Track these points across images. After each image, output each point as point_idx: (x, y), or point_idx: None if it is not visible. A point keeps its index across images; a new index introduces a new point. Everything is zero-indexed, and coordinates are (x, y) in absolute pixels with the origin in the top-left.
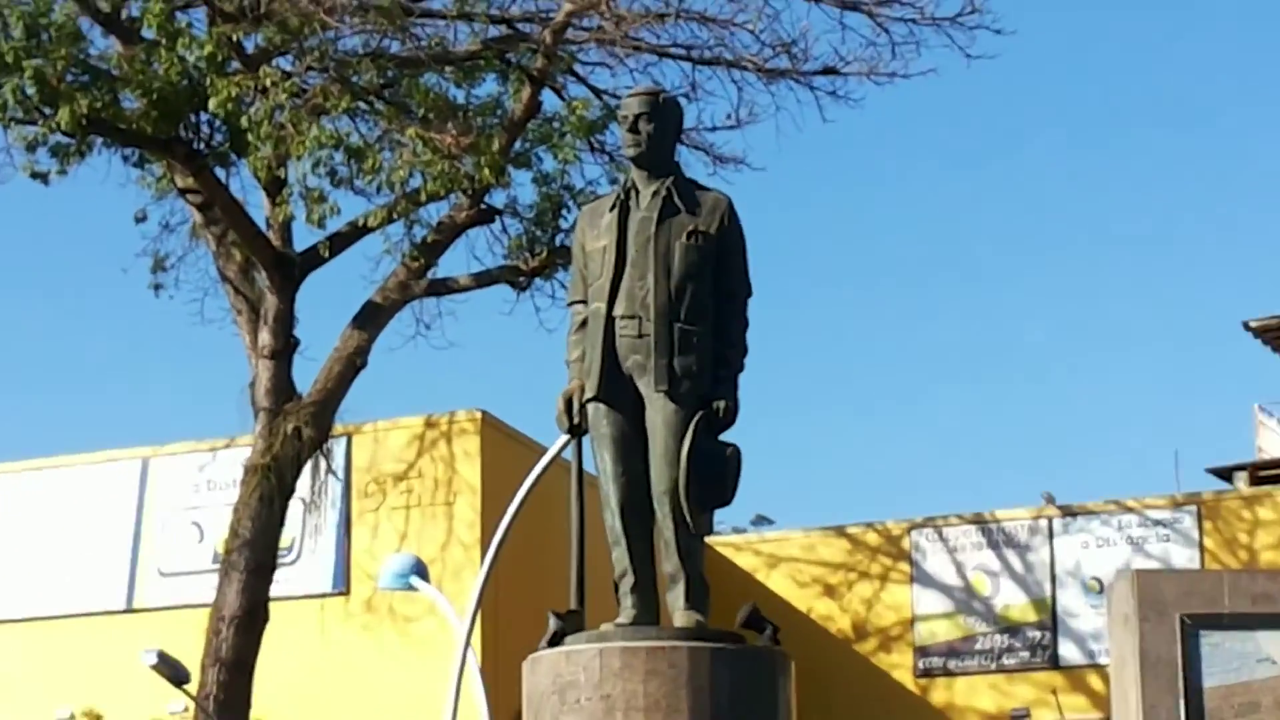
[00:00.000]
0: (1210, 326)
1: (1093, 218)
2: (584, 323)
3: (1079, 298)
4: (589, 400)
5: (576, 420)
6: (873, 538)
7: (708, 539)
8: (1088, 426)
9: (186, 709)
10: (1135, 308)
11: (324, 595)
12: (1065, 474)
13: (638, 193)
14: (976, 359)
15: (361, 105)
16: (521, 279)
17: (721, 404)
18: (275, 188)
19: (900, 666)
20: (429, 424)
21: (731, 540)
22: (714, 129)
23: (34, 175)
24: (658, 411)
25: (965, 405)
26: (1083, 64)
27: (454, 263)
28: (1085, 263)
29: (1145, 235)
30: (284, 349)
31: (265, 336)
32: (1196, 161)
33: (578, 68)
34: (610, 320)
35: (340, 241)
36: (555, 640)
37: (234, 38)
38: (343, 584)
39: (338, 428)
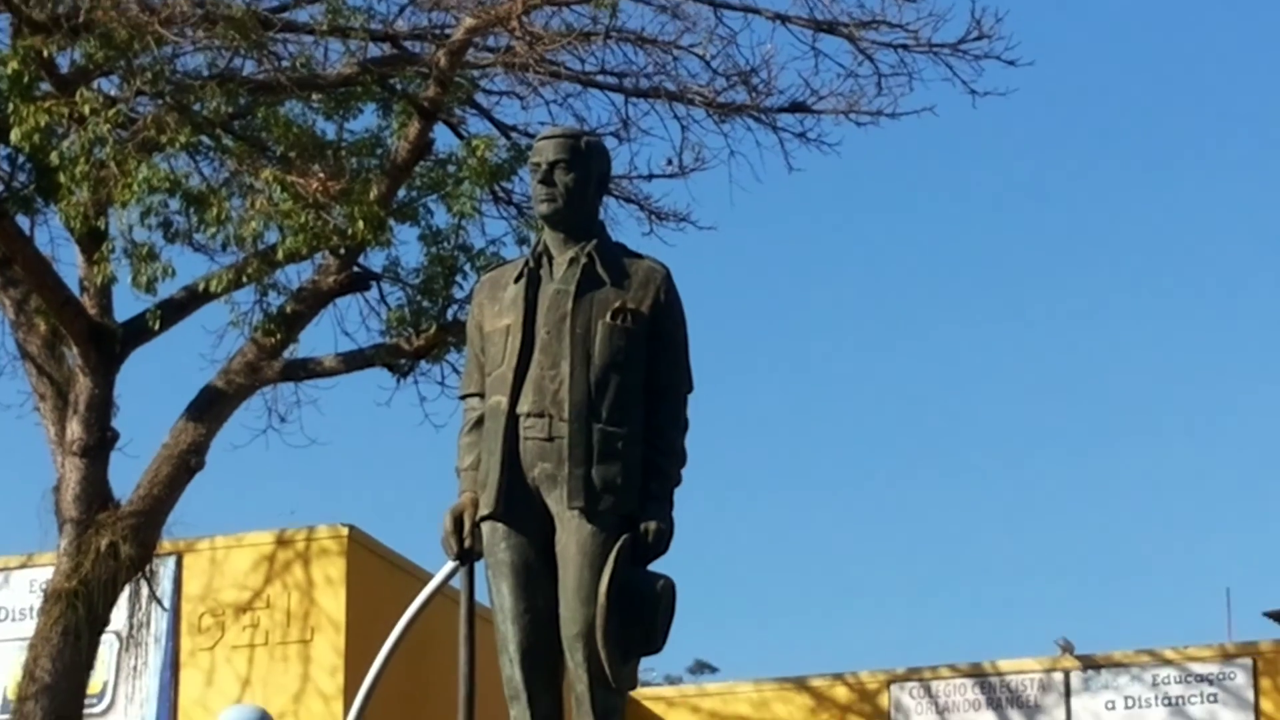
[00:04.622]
0: (1270, 445)
1: (1130, 304)
2: (480, 420)
3: (1106, 395)
4: (484, 518)
5: (468, 543)
6: (842, 692)
7: (632, 693)
8: (1116, 559)
9: None
10: (1180, 411)
11: None
12: (1087, 617)
13: (551, 259)
14: (975, 465)
15: (205, 140)
16: (402, 361)
17: (651, 526)
18: (93, 242)
19: None
20: (281, 541)
21: (663, 693)
22: (651, 177)
23: None
24: (571, 534)
25: (962, 526)
26: (1126, 103)
27: (318, 340)
28: (1117, 354)
29: (1206, 343)
30: (98, 444)
31: (75, 428)
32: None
33: (479, 98)
34: (513, 419)
35: (174, 311)
36: None
37: (45, 53)
38: None
39: (164, 544)
